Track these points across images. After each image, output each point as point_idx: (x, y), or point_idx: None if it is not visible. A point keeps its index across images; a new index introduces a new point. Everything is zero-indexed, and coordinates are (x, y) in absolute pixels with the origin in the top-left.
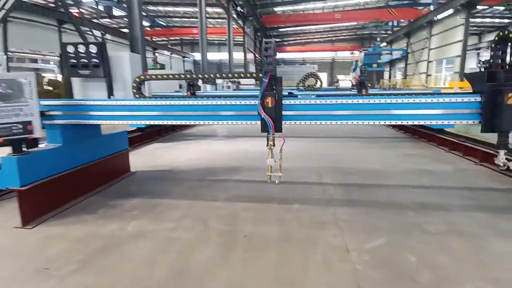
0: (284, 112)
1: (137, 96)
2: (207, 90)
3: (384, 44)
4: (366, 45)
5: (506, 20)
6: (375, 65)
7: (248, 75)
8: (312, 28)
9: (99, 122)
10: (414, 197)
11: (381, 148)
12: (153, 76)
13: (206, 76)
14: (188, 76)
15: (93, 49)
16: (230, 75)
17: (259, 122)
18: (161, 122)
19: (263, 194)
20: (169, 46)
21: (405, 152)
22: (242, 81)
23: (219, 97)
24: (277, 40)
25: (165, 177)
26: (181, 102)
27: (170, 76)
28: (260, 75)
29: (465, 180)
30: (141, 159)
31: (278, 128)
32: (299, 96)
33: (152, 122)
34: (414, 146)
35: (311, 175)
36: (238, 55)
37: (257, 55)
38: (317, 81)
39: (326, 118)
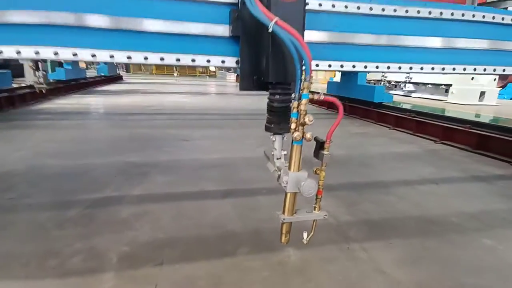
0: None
1: None
2: None
3: None
4: None
5: None
6: None
7: None
8: None
9: None
10: (444, 204)
11: (319, 127)
12: None
13: None
14: None
15: None
16: None
17: (230, 61)
18: None
19: (210, 228)
20: None
21: (351, 131)
22: None
23: None
24: None
25: None
26: None
27: None
28: None
29: (457, 166)
30: None
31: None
32: None
33: None
34: (353, 124)
35: (266, 171)
36: None
37: None
38: None
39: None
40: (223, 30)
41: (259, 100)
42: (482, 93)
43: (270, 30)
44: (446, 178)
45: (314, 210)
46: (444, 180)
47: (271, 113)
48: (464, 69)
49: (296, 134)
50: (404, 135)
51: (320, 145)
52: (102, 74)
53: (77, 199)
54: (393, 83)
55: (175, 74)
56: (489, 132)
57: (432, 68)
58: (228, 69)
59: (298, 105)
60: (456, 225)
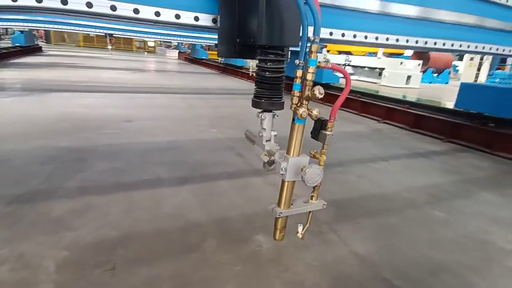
0: None
1: None
2: None
3: None
4: None
5: None
6: None
7: None
8: None
9: None
10: (396, 180)
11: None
12: None
13: None
14: None
15: None
16: None
17: (205, 18)
18: None
19: (169, 220)
20: None
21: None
22: None
23: None
24: None
25: None
26: None
27: None
28: None
29: (400, 144)
30: None
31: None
32: None
33: None
34: None
35: (222, 152)
36: None
37: None
38: None
39: None
40: None
41: (205, 79)
42: (409, 77)
43: None
44: (393, 155)
45: (312, 199)
46: (392, 157)
47: (261, 85)
48: (407, 41)
49: (301, 110)
50: (350, 115)
51: (320, 125)
52: (18, 45)
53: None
54: None
55: (109, 47)
56: (423, 111)
57: (377, 38)
58: (168, 46)
59: (303, 74)
60: (410, 200)
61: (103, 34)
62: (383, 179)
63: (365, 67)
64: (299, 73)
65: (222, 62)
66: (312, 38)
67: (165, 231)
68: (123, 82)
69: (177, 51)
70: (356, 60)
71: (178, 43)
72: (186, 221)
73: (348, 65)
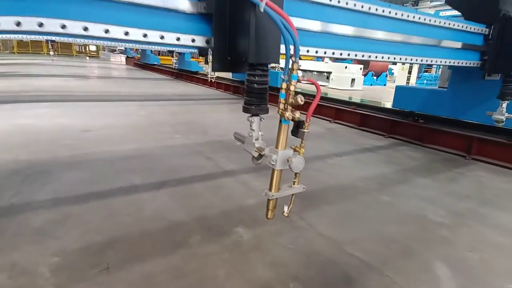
0: None
1: None
2: None
3: None
4: None
5: None
6: None
7: None
8: None
9: None
10: (350, 172)
11: (231, 112)
12: None
13: None
14: None
15: None
16: None
17: (200, 40)
18: None
19: (153, 222)
20: None
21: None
22: None
23: None
24: None
25: None
26: None
27: None
28: None
29: (350, 141)
30: None
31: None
32: None
33: None
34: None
35: (191, 157)
36: None
37: None
38: None
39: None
40: (191, 5)
41: (159, 85)
42: (353, 80)
43: (262, 10)
44: (345, 151)
45: (294, 184)
46: (345, 153)
47: (250, 94)
48: (355, 55)
49: (287, 113)
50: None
51: (297, 124)
52: None
53: None
54: None
55: (51, 53)
56: (367, 111)
57: (333, 53)
58: (113, 50)
59: (287, 86)
60: (362, 188)
61: (43, 40)
62: (339, 172)
63: (313, 71)
64: (284, 85)
65: (175, 67)
66: (293, 59)
67: (150, 232)
68: (70, 90)
69: (123, 56)
70: (305, 65)
71: (126, 48)
72: (169, 222)
73: (298, 69)
